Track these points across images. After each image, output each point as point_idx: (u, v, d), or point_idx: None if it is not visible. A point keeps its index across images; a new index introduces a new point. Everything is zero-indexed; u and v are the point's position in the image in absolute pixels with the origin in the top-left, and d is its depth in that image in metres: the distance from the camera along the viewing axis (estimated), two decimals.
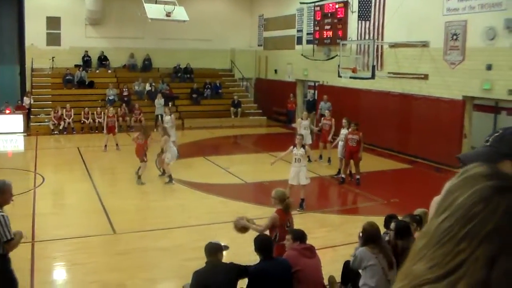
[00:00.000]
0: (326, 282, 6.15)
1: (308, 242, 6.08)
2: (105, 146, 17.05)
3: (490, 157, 1.49)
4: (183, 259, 7.89)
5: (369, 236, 5.70)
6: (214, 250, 5.41)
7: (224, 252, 5.85)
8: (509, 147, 1.49)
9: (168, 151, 13.05)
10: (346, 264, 6.34)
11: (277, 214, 6.84)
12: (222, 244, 5.73)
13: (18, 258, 7.95)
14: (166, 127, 14.11)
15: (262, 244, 5.66)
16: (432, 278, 0.92)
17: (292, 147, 10.95)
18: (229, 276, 5.31)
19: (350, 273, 6.17)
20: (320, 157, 14.93)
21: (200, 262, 5.46)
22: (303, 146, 10.96)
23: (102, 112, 19.43)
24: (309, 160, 13.48)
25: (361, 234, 5.96)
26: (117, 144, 17.16)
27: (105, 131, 17.64)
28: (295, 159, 10.77)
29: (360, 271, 5.69)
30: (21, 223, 9.61)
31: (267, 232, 6.72)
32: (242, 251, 7.31)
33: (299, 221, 8.21)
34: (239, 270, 5.48)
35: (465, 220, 0.92)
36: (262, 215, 8.26)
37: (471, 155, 1.59)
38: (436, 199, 1.09)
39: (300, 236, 5.96)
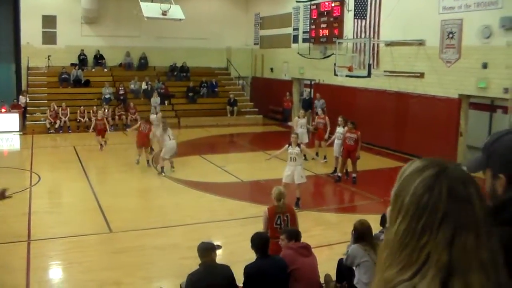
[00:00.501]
0: (322, 280, 6.18)
1: (304, 240, 6.11)
2: (101, 145, 17.04)
3: (480, 164, 1.61)
4: (180, 258, 7.90)
5: (360, 234, 5.79)
6: (207, 250, 5.38)
7: (220, 251, 5.85)
8: (487, 155, 1.59)
9: (165, 144, 13.54)
10: (340, 262, 6.37)
11: (267, 211, 6.97)
12: (215, 243, 5.71)
13: (14, 256, 8.00)
14: (165, 121, 14.34)
15: (259, 242, 5.67)
16: (405, 278, 0.97)
17: (287, 145, 10.95)
18: (226, 277, 5.26)
19: (344, 270, 6.20)
20: (317, 154, 14.96)
21: (196, 261, 5.45)
22: (298, 145, 10.95)
23: (98, 111, 19.35)
24: (305, 159, 13.49)
25: (352, 232, 6.03)
26: (105, 143, 17.14)
27: (91, 130, 17.70)
28: (290, 158, 10.76)
29: (354, 268, 5.73)
30: (17, 222, 9.62)
31: None
32: (239, 250, 7.33)
33: None
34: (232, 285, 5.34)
35: (418, 214, 0.99)
36: (258, 213, 8.27)
37: (470, 163, 1.67)
38: (389, 209, 1.14)
39: (294, 235, 5.99)
